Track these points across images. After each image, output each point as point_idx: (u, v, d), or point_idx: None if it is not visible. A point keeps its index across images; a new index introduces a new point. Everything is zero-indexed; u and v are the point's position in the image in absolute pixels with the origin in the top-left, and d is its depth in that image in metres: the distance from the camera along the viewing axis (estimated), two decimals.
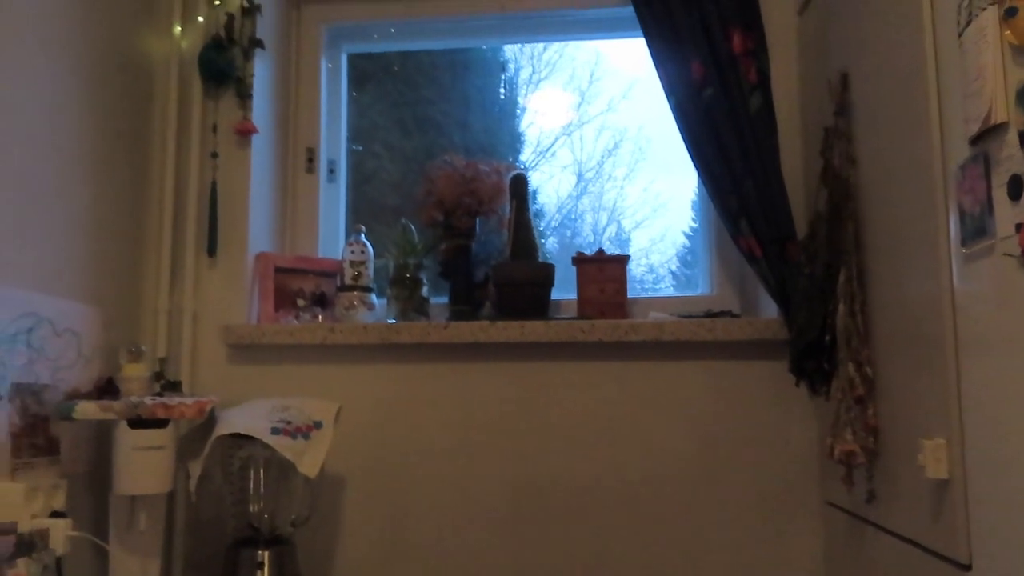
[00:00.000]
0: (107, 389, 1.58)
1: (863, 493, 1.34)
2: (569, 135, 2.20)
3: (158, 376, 1.73)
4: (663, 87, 1.72)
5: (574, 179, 2.20)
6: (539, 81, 2.26)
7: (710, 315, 1.77)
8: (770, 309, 1.73)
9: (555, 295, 1.90)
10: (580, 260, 1.86)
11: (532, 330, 1.73)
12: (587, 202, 2.21)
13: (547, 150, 2.22)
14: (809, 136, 1.68)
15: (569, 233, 2.21)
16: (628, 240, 2.13)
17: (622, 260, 1.85)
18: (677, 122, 1.70)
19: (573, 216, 2.22)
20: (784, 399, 1.69)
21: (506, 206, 1.92)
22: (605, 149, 2.17)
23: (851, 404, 1.27)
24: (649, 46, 1.73)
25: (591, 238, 2.17)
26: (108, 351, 1.64)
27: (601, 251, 1.88)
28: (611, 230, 2.17)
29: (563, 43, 2.21)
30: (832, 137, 1.40)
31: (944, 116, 1.03)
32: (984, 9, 0.88)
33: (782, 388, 1.69)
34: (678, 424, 1.72)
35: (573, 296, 1.89)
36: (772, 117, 1.64)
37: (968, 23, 0.90)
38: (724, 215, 1.66)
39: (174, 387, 1.71)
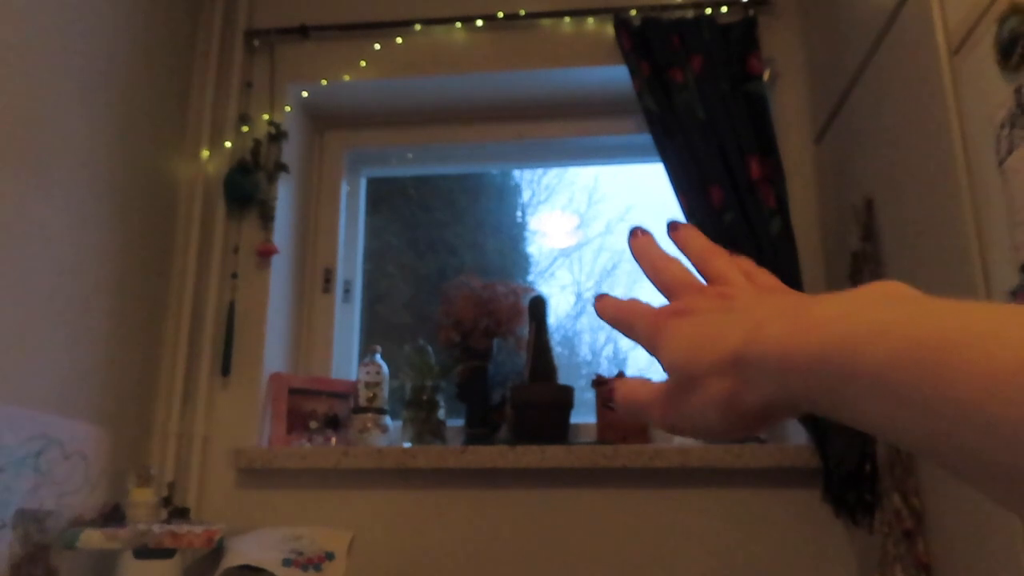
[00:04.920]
0: (112, 516, 1.51)
1: None
2: (568, 256, 2.22)
3: (166, 501, 1.66)
4: (682, 211, 1.74)
5: (573, 299, 2.21)
6: (538, 204, 2.31)
7: (736, 440, 1.72)
8: (796, 435, 1.68)
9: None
10: (600, 383, 1.83)
11: (553, 455, 1.67)
12: (585, 321, 2.20)
13: (546, 270, 2.23)
14: (831, 259, 1.69)
15: (567, 352, 2.19)
16: (625, 359, 2.11)
17: None
18: None
19: (571, 335, 2.21)
20: (818, 531, 1.62)
21: (524, 328, 1.91)
22: (603, 269, 2.18)
23: (899, 538, 1.20)
24: (668, 171, 1.77)
25: (589, 357, 2.15)
26: (115, 475, 1.58)
27: (621, 373, 1.85)
28: (608, 349, 2.15)
29: (563, 168, 2.26)
30: (860, 262, 1.40)
31: (984, 243, 1.03)
32: None
33: (815, 519, 1.62)
34: (706, 556, 1.64)
35: (585, 420, 1.84)
36: (792, 241, 1.65)
37: (1009, 152, 0.92)
38: None
39: (182, 514, 1.63)
